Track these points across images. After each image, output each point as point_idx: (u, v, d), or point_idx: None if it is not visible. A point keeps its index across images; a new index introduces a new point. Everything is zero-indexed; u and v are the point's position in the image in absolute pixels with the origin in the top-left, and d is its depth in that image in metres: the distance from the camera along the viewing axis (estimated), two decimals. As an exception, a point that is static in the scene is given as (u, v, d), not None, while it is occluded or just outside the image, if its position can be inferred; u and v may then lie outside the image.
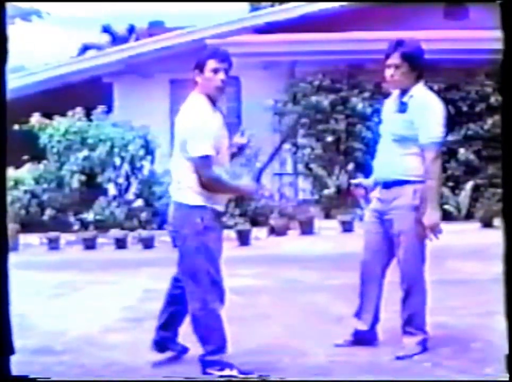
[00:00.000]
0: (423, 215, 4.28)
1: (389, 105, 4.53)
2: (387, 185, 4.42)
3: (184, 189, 4.10)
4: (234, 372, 4.06)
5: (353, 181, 4.92)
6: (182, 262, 4.16)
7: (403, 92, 4.38)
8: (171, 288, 4.40)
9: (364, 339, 4.61)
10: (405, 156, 4.33)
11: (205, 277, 4.05)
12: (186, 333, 4.36)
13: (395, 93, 4.47)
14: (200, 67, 4.06)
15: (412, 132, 4.29)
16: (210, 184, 4.02)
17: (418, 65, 4.35)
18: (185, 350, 4.51)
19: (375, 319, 4.61)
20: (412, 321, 4.42)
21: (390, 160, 4.39)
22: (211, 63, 4.04)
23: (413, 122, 4.28)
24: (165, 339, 4.45)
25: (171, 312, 4.41)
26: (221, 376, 4.05)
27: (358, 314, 4.63)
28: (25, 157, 11.12)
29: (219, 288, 4.11)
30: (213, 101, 4.12)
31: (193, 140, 4.00)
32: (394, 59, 4.32)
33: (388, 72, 4.38)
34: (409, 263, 4.39)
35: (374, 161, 4.60)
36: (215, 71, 4.05)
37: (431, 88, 4.48)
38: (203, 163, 3.99)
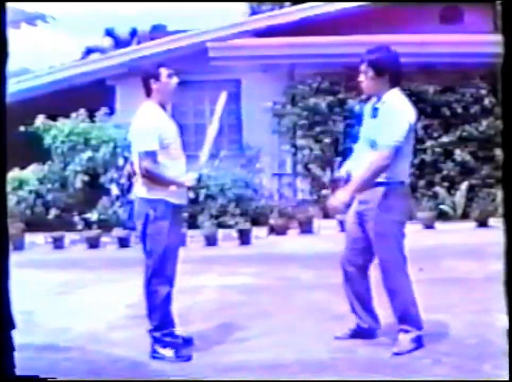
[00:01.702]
0: (395, 216, 4.40)
1: (366, 110, 4.65)
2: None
3: (140, 185, 4.53)
4: (169, 354, 4.44)
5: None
6: (144, 248, 4.60)
7: (379, 97, 4.49)
8: None
9: (364, 332, 4.71)
10: None
11: (155, 260, 4.50)
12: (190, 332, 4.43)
13: (374, 99, 4.58)
14: (155, 76, 4.51)
15: (380, 136, 4.37)
16: (147, 177, 4.42)
17: (383, 71, 4.42)
18: (188, 341, 4.72)
19: (371, 314, 4.71)
20: (406, 319, 4.48)
21: (364, 163, 4.46)
22: (164, 71, 4.52)
23: (380, 127, 4.38)
24: (163, 335, 4.58)
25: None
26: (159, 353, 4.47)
27: (353, 311, 4.74)
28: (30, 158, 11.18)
29: (168, 270, 4.52)
30: (162, 106, 4.58)
31: (138, 138, 4.45)
32: (362, 66, 4.50)
33: (359, 79, 4.56)
34: (388, 263, 4.46)
35: (351, 162, 4.71)
36: (169, 76, 4.55)
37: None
38: (146, 157, 4.38)
